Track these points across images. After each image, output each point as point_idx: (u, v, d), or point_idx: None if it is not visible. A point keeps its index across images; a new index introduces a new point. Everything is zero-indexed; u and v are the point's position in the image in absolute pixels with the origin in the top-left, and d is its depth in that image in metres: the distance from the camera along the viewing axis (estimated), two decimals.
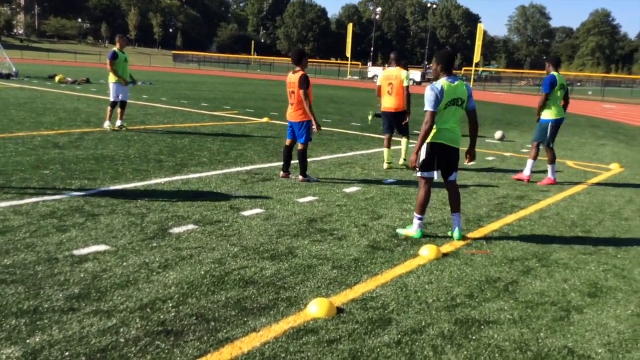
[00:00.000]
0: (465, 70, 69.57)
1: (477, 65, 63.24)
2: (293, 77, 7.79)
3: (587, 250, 5.59)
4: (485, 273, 4.80)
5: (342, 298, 4.11)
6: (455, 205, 5.67)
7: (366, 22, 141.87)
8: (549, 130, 8.77)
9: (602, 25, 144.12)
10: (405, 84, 9.22)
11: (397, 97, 9.29)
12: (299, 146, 7.89)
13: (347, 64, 71.24)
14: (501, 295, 4.35)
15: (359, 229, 5.82)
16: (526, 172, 8.95)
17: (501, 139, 14.19)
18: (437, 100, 5.34)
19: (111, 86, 11.83)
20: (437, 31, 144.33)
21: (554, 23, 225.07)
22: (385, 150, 9.48)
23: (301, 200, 6.87)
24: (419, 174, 5.64)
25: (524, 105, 29.77)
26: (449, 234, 5.80)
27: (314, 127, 7.91)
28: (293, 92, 7.79)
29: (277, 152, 10.19)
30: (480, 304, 4.16)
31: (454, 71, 5.68)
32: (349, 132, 13.90)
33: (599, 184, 9.05)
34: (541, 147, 8.96)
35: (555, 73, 8.72)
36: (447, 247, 5.40)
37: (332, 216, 6.25)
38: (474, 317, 3.93)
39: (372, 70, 64.89)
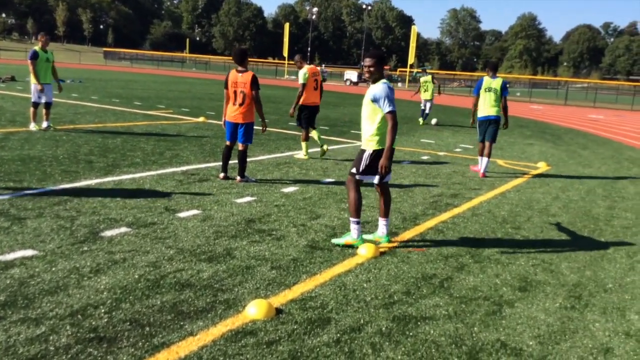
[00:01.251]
0: (400, 71, 70.91)
1: (411, 66, 64.55)
2: (242, 77, 7.64)
3: (517, 246, 5.80)
4: (422, 270, 4.89)
5: (281, 299, 4.09)
6: (386, 210, 5.53)
7: (303, 22, 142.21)
8: (477, 127, 9.85)
9: (529, 28, 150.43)
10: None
11: (319, 92, 10.39)
12: (240, 147, 7.82)
13: (284, 63, 71.14)
14: (437, 291, 4.45)
15: (298, 229, 5.81)
16: (481, 169, 9.75)
17: (437, 124, 18.53)
18: (394, 99, 5.17)
19: (32, 87, 11.33)
20: (373, 32, 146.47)
21: (484, 26, 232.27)
22: (306, 143, 10.34)
23: (239, 200, 6.80)
24: (358, 177, 5.33)
25: (456, 106, 30.62)
26: (374, 237, 5.59)
27: (263, 128, 8.03)
28: (242, 92, 7.62)
29: (214, 152, 10.05)
30: (417, 300, 4.24)
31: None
32: (287, 132, 13.88)
33: (527, 182, 9.42)
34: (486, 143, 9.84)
35: (486, 76, 9.74)
36: (384, 246, 5.47)
37: (270, 216, 6.21)
38: (411, 313, 4.00)
39: None
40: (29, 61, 11.18)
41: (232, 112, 7.72)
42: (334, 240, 5.41)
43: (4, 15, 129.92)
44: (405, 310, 4.04)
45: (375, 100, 5.15)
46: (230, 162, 8.05)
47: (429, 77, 19.16)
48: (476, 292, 4.50)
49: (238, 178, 7.89)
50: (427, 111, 19.04)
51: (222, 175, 7.95)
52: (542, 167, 11.05)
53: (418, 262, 5.10)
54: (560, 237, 6.26)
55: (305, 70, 10.09)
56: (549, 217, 7.08)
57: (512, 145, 14.43)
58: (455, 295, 4.40)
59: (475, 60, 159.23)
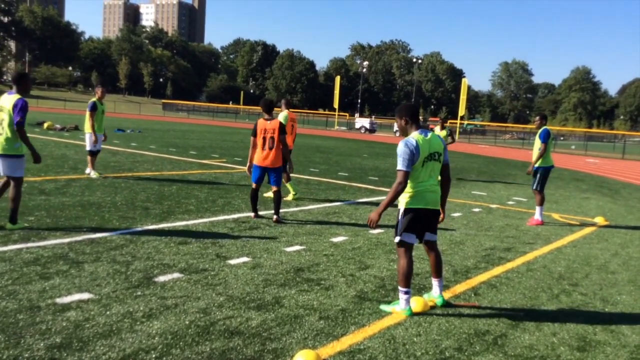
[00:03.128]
0: (450, 123, 70.73)
1: (462, 118, 64.36)
2: (270, 124, 8.40)
3: (575, 304, 5.58)
4: (474, 326, 4.76)
5: (329, 350, 4.05)
6: (437, 271, 5.18)
7: (353, 75, 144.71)
8: (539, 176, 10.01)
9: (583, 81, 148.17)
10: None
11: (294, 136, 10.88)
12: (275, 189, 8.48)
13: (334, 115, 72.17)
14: (490, 348, 4.30)
15: (347, 279, 5.78)
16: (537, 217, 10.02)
17: None
18: (413, 158, 4.78)
19: (87, 136, 11.97)
20: (423, 85, 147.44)
21: (537, 79, 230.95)
22: (290, 184, 10.56)
23: (288, 249, 6.83)
24: (397, 239, 4.98)
25: (508, 158, 30.19)
26: (428, 298, 5.28)
27: (290, 169, 8.82)
28: (272, 137, 8.34)
29: (265, 200, 10.19)
30: (469, 357, 4.11)
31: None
32: (337, 181, 13.95)
33: (584, 237, 9.11)
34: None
35: (547, 127, 10.08)
36: (434, 299, 5.35)
37: (319, 266, 6.20)
38: None
39: (359, 121, 65.70)
40: (89, 112, 11.84)
41: (262, 157, 8.37)
42: (382, 307, 5.04)
43: (70, 68, 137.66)
44: None
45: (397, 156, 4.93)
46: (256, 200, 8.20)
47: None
48: (532, 350, 4.33)
49: (275, 217, 8.38)
50: None
51: (253, 215, 8.54)
52: (600, 222, 10.68)
53: (470, 317, 4.97)
54: (620, 295, 5.99)
55: (286, 114, 10.57)
56: (608, 275, 6.80)
57: (568, 199, 14.04)
58: (510, 353, 4.25)
59: (527, 112, 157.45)
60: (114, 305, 4.58)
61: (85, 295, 4.75)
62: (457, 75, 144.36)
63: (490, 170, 21.28)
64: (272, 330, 4.31)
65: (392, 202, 4.82)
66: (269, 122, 8.40)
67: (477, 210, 11.13)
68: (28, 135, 6.94)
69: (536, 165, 10.03)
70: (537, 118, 10.35)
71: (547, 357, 4.23)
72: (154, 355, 3.74)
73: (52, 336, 3.91)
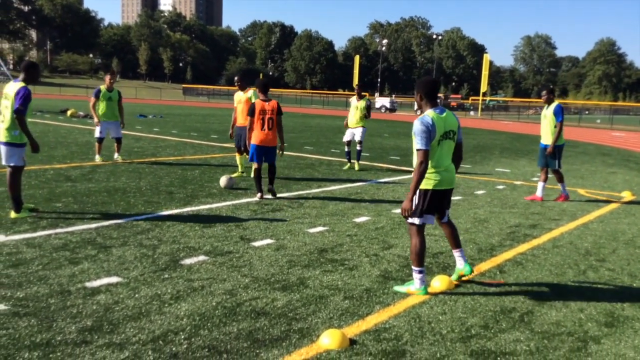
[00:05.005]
0: (472, 99, 69.92)
1: (484, 94, 63.55)
2: (269, 105, 8.62)
3: (602, 279, 5.52)
4: (500, 303, 4.74)
5: (354, 329, 4.07)
6: (455, 241, 5.14)
7: (372, 54, 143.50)
8: (557, 154, 9.59)
9: (608, 54, 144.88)
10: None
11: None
12: (269, 163, 8.82)
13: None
14: (517, 325, 4.29)
15: (370, 259, 5.79)
16: (539, 194, 9.71)
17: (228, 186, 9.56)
18: (430, 136, 4.64)
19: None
20: (444, 62, 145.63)
21: (560, 52, 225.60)
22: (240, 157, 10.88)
23: (311, 230, 6.86)
24: (415, 220, 4.85)
25: (532, 134, 29.77)
26: (454, 278, 5.21)
27: (281, 149, 8.96)
28: (271, 118, 8.59)
29: (287, 183, 10.22)
30: (495, 334, 4.10)
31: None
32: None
33: (611, 212, 8.98)
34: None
35: (557, 101, 9.60)
36: (468, 277, 5.33)
37: (342, 246, 6.22)
38: (490, 348, 3.87)
39: (379, 100, 65.25)
40: (91, 98, 11.95)
41: (262, 137, 8.59)
42: (396, 288, 4.97)
43: (91, 55, 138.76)
44: (484, 345, 3.92)
45: (414, 136, 4.74)
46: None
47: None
48: (559, 327, 4.31)
49: (269, 186, 8.79)
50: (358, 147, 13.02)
51: (260, 195, 8.69)
52: (626, 196, 10.51)
53: (496, 294, 4.95)
54: None
55: (255, 90, 10.38)
56: (635, 249, 6.70)
57: (594, 173, 13.83)
58: (537, 330, 4.23)
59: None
60: (142, 288, 4.66)
61: (114, 279, 4.83)
62: (478, 50, 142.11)
63: (513, 146, 21.02)
64: (298, 311, 4.35)
65: (419, 184, 4.68)
66: (267, 103, 8.61)
67: (501, 187, 11.03)
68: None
69: (546, 143, 9.55)
70: (545, 92, 9.58)
71: (575, 333, 4.20)
72: (182, 336, 3.80)
73: (83, 319, 4.00)
